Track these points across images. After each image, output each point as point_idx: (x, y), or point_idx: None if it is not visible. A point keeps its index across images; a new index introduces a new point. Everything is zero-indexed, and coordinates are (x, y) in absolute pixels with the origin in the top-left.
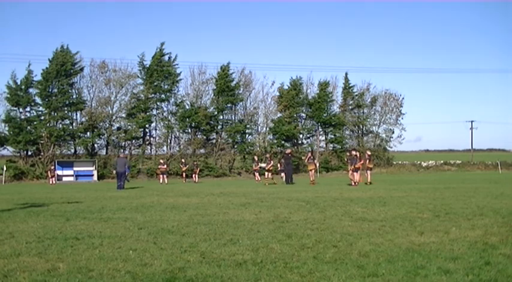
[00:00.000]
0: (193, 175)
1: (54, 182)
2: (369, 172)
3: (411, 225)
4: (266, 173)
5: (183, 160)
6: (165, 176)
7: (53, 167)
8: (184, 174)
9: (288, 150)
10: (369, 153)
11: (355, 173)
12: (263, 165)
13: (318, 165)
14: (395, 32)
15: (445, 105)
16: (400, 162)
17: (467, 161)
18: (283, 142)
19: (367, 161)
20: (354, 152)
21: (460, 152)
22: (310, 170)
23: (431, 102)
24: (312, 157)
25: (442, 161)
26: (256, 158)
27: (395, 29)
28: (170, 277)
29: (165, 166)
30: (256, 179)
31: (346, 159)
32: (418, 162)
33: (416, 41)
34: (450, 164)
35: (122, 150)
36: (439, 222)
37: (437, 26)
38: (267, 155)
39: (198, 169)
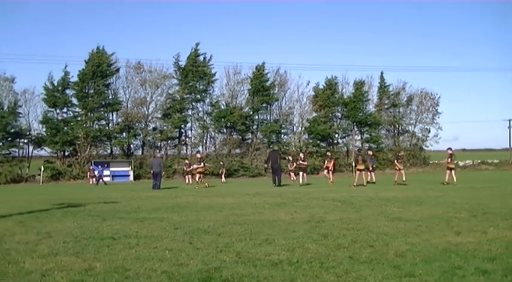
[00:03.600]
0: (221, 175)
1: (93, 182)
2: (372, 173)
3: (448, 225)
4: (301, 173)
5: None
6: (189, 176)
7: (92, 167)
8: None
9: (276, 147)
10: (370, 153)
11: (365, 173)
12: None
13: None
14: (431, 31)
15: (482, 104)
16: (436, 161)
17: (505, 160)
18: (318, 142)
19: (359, 161)
20: (369, 152)
21: (497, 151)
22: (358, 171)
23: (468, 101)
24: (361, 156)
25: (479, 160)
26: (291, 158)
27: (431, 28)
28: (206, 277)
29: (191, 166)
30: (292, 179)
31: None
32: (455, 161)
33: (452, 39)
34: (487, 163)
35: (158, 150)
36: (477, 222)
37: (474, 23)
38: (301, 155)
39: (224, 169)
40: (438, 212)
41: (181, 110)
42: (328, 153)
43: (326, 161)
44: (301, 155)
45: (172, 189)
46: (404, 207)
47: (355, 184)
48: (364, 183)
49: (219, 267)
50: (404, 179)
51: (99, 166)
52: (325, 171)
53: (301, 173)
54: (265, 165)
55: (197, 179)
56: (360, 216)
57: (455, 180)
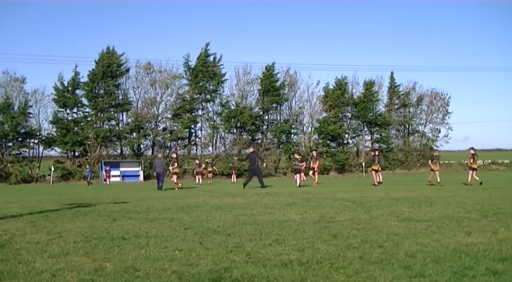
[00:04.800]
0: (231, 176)
1: (109, 182)
2: (379, 173)
3: (458, 226)
4: (297, 175)
5: (207, 160)
6: (199, 176)
7: (107, 168)
8: (201, 174)
9: (251, 149)
10: (376, 153)
11: (377, 173)
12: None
13: (363, 165)
14: (442, 31)
15: (493, 104)
16: (446, 161)
17: None
18: (328, 142)
19: (376, 161)
20: (376, 152)
21: (508, 151)
22: (373, 171)
23: (479, 101)
24: (377, 157)
25: (489, 161)
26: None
27: (441, 28)
28: (216, 277)
29: (201, 167)
30: (301, 179)
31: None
32: (465, 161)
33: (463, 39)
34: (498, 164)
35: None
36: (487, 223)
37: (484, 24)
38: (314, 153)
39: (234, 170)
40: (448, 212)
41: (191, 110)
42: (314, 153)
43: (312, 162)
44: (297, 156)
45: (183, 189)
46: (415, 207)
47: (378, 182)
48: (376, 183)
49: (229, 267)
50: (438, 180)
51: (88, 166)
52: (311, 172)
53: (297, 175)
54: (240, 161)
55: (175, 180)
56: (370, 216)
57: (477, 179)
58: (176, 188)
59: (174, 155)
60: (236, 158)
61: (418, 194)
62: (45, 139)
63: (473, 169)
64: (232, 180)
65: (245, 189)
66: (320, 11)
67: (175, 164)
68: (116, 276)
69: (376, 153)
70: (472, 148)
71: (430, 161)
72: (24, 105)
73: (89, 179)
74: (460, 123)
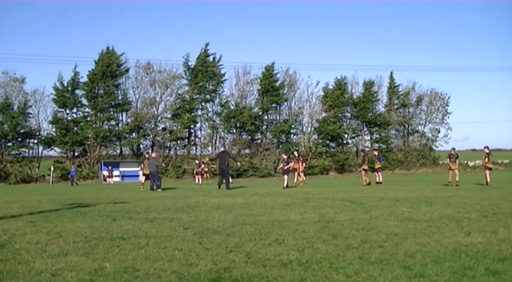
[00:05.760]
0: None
1: (111, 182)
2: (379, 172)
3: (458, 226)
4: (285, 176)
5: (203, 160)
6: (199, 176)
7: (110, 167)
8: (201, 174)
9: (222, 149)
10: (376, 153)
11: (365, 172)
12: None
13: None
14: (441, 31)
15: (493, 104)
16: (446, 162)
17: None
18: (328, 142)
19: (365, 161)
20: (375, 152)
21: (508, 151)
22: (363, 171)
23: (479, 101)
24: (367, 157)
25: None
26: (300, 158)
27: (441, 28)
28: (216, 277)
29: (200, 167)
30: (301, 179)
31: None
32: (465, 161)
33: (462, 39)
34: (498, 164)
35: (157, 150)
36: (487, 223)
37: (484, 23)
38: (295, 154)
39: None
40: (448, 212)
41: (191, 110)
42: (295, 153)
43: (293, 162)
44: (284, 156)
45: (182, 189)
46: (414, 207)
47: (367, 183)
48: (366, 183)
49: (228, 267)
50: (457, 179)
51: (73, 166)
52: (296, 172)
53: (285, 176)
54: (210, 161)
55: (143, 181)
56: (370, 216)
57: (489, 180)
58: (141, 189)
59: (147, 155)
60: (208, 159)
61: (417, 194)
62: (44, 139)
63: (489, 168)
64: (197, 182)
65: (230, 189)
66: (319, 11)
67: (143, 164)
68: (116, 276)
69: (365, 153)
70: (487, 147)
71: (448, 160)
72: (24, 105)
73: (74, 180)
74: (459, 123)
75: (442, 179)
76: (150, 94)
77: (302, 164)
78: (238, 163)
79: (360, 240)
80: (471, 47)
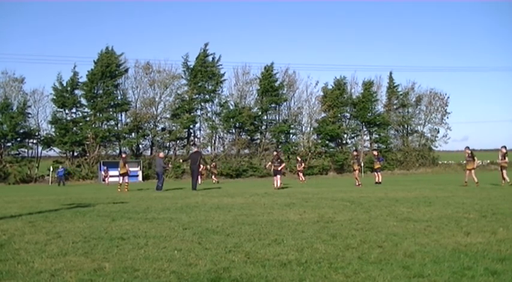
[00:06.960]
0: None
1: (108, 182)
2: (379, 172)
3: (457, 226)
4: (277, 176)
5: (177, 160)
6: (199, 176)
7: (105, 167)
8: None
9: (195, 149)
10: (376, 153)
11: (375, 173)
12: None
13: (362, 165)
14: (440, 31)
15: (492, 104)
16: (445, 162)
17: None
18: (327, 142)
19: (358, 161)
20: (375, 152)
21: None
22: (355, 171)
23: (478, 101)
24: (357, 156)
25: (488, 161)
26: (299, 158)
27: (440, 28)
28: (215, 277)
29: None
30: (300, 179)
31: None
32: (464, 161)
33: (462, 39)
34: (497, 164)
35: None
36: (486, 223)
37: (484, 23)
38: (297, 158)
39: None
40: (447, 212)
41: (190, 110)
42: (298, 158)
43: (297, 165)
44: (275, 153)
45: (182, 189)
46: (414, 207)
47: (359, 183)
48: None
49: (228, 267)
50: (476, 180)
51: (60, 166)
52: (300, 174)
53: (277, 176)
54: (183, 162)
55: (120, 181)
56: (369, 216)
57: (508, 180)
58: (118, 190)
59: (124, 155)
60: (181, 160)
61: (417, 194)
62: (44, 139)
63: (505, 167)
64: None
65: (196, 190)
66: (319, 11)
67: (125, 165)
68: (115, 276)
69: (357, 153)
70: (504, 146)
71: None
72: (23, 105)
73: (62, 180)
74: (459, 123)
75: (441, 179)
76: (149, 94)
77: (301, 165)
78: (208, 166)
79: (359, 240)
80: (471, 47)
